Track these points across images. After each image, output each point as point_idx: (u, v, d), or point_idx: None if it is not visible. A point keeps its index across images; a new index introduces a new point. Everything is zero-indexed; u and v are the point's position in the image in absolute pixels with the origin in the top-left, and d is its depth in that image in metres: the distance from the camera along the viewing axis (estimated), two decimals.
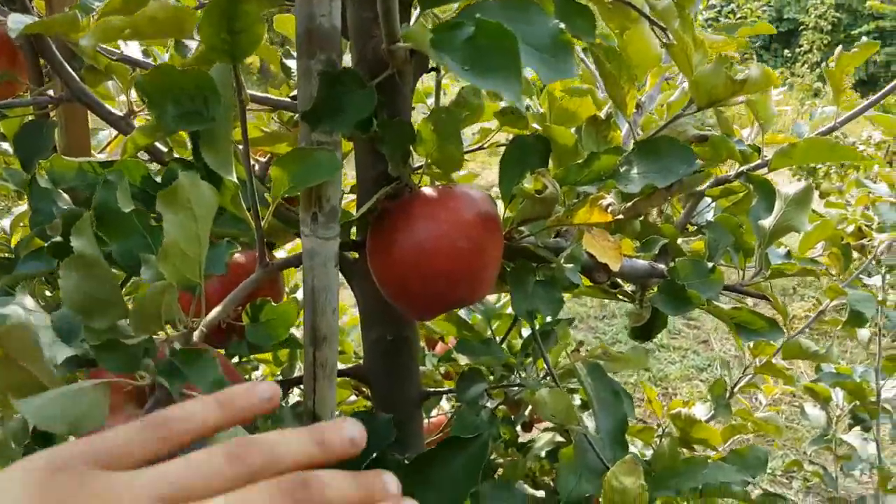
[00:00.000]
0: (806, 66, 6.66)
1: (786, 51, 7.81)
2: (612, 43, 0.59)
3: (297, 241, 0.67)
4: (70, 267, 0.32)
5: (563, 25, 0.39)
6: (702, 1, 0.87)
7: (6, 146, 0.87)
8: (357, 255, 0.60)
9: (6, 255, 0.62)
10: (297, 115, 0.66)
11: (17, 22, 0.47)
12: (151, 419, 0.28)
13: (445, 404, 1.16)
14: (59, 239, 0.40)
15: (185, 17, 0.35)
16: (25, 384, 0.32)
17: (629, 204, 0.51)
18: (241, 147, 0.43)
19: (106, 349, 0.34)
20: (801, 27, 7.33)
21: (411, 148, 0.50)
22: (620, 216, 0.51)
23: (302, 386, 0.75)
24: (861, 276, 1.03)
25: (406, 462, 0.45)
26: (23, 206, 0.74)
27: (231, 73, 0.39)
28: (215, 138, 0.41)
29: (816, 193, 1.12)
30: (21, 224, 0.71)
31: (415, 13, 0.50)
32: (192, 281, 0.36)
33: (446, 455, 0.45)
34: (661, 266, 0.60)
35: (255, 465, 0.26)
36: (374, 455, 0.50)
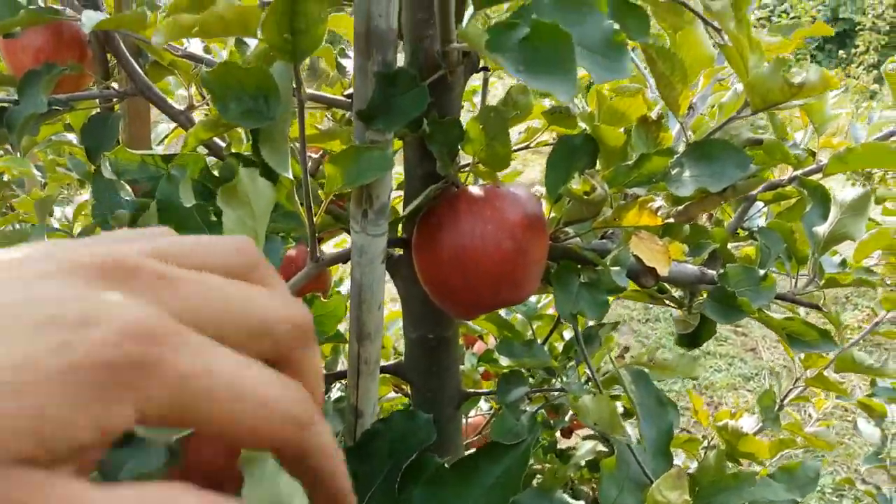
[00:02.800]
0: (862, 67, 6.40)
1: (840, 52, 7.53)
2: (664, 44, 0.59)
3: (345, 234, 0.69)
4: None
5: (617, 26, 0.39)
6: (755, 0, 0.84)
7: (70, 136, 0.91)
8: (402, 252, 0.61)
9: None
10: (349, 113, 0.67)
11: (90, 18, 0.49)
12: None
13: (484, 405, 1.16)
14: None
15: (250, 17, 0.36)
16: None
17: (680, 208, 0.51)
18: (297, 144, 0.44)
19: None
20: (858, 27, 7.04)
21: (459, 147, 0.51)
22: (670, 220, 0.50)
23: (344, 381, 0.76)
24: None
25: (446, 466, 0.46)
26: (85, 196, 0.77)
27: (291, 72, 0.40)
28: (274, 136, 0.42)
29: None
30: (82, 213, 0.75)
31: (468, 13, 0.51)
32: None
33: (487, 461, 0.45)
34: (712, 272, 0.59)
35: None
36: (414, 455, 0.51)
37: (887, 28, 6.74)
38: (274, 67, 0.41)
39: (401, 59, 0.49)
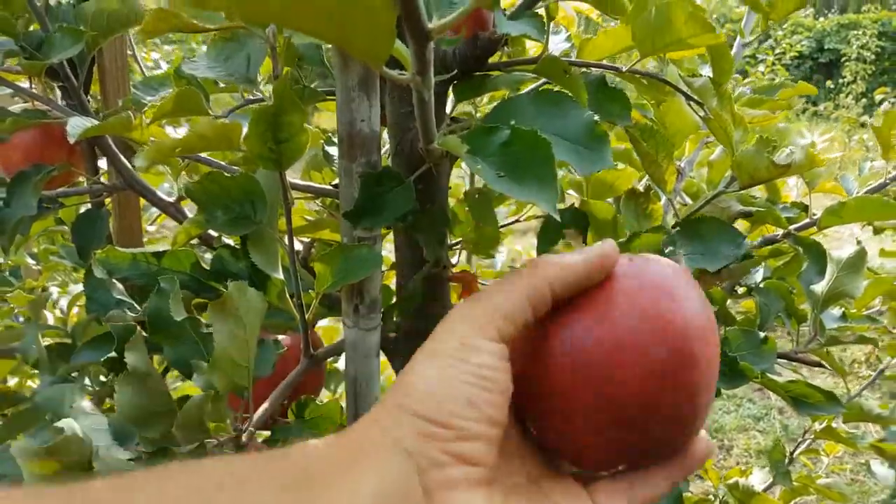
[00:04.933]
0: (850, 96, 6.50)
1: (828, 82, 7.66)
2: (647, 113, 0.60)
3: None
4: (124, 382, 0.33)
5: (596, 117, 0.40)
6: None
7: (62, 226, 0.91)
8: (399, 334, 0.60)
9: (64, 339, 0.64)
10: (338, 202, 0.67)
11: (75, 126, 0.50)
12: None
13: None
14: (113, 354, 0.42)
15: (231, 132, 0.36)
16: None
17: None
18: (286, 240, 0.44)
19: (156, 457, 0.35)
20: (843, 58, 7.17)
21: (448, 230, 0.51)
22: None
23: None
24: None
25: None
26: (79, 286, 0.77)
27: (277, 177, 0.40)
28: (262, 239, 0.42)
29: (871, 230, 1.08)
30: (77, 304, 0.74)
31: (450, 101, 0.51)
32: (241, 385, 0.37)
33: None
34: None
35: None
36: None
37: (873, 57, 6.86)
38: (260, 173, 0.41)
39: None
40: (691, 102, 0.52)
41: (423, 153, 0.44)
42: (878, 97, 4.53)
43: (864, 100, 6.24)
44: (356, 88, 0.40)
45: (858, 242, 0.62)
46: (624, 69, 0.49)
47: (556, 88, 0.43)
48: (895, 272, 1.17)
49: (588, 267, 0.30)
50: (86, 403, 0.39)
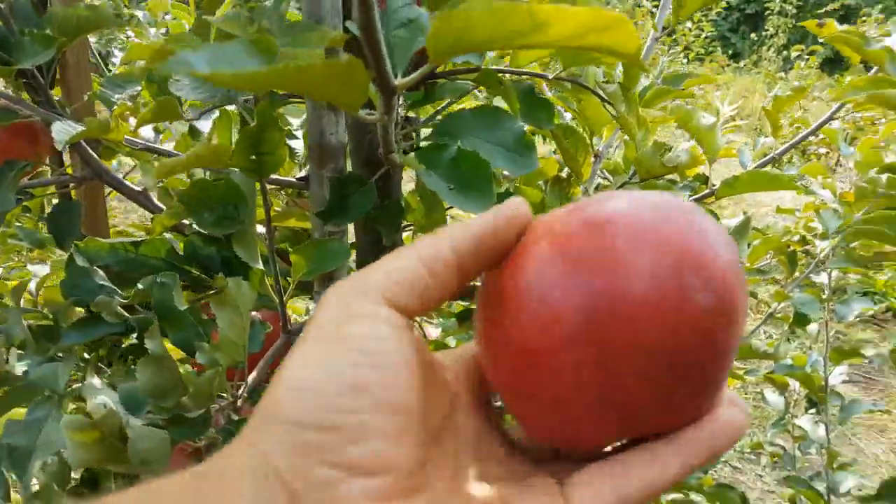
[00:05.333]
0: (772, 49, 6.78)
1: (753, 34, 7.93)
2: (572, 104, 0.68)
3: None
4: (145, 364, 0.40)
5: (526, 127, 0.48)
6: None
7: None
8: None
9: (44, 321, 0.69)
10: (301, 191, 0.74)
11: (60, 132, 0.54)
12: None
13: None
14: (134, 341, 0.48)
15: (221, 152, 0.43)
16: (116, 457, 0.41)
17: None
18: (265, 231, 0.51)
19: (174, 423, 0.42)
20: (767, 12, 7.41)
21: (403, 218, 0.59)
22: None
23: None
24: (810, 275, 1.14)
25: None
26: (40, 265, 0.80)
27: (255, 182, 0.47)
28: (245, 235, 0.49)
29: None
30: (45, 286, 0.78)
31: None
32: (239, 361, 0.44)
33: None
34: None
35: None
36: None
37: (794, 11, 7.09)
38: (240, 180, 0.48)
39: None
40: (606, 104, 0.62)
41: (381, 158, 0.52)
42: (794, 54, 4.77)
43: (784, 52, 6.52)
44: (325, 107, 0.47)
45: (745, 213, 0.74)
46: (550, 77, 0.58)
47: (493, 102, 0.52)
48: (790, 226, 1.33)
49: (494, 222, 0.25)
50: (95, 380, 0.46)
